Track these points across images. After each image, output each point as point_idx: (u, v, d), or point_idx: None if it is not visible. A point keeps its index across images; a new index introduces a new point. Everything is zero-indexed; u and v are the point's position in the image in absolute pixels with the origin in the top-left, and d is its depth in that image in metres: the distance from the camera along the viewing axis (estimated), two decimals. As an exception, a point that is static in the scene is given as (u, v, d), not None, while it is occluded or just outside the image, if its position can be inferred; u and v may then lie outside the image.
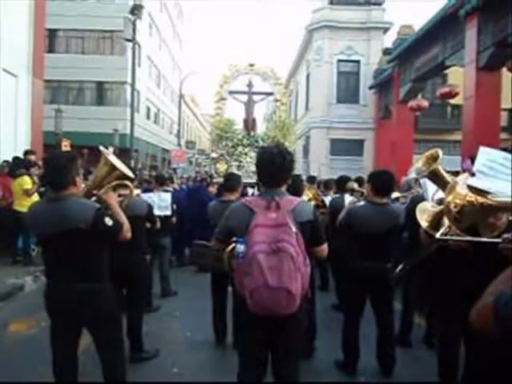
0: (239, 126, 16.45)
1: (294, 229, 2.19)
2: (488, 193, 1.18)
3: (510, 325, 0.99)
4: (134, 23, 13.77)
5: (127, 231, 2.53)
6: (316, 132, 21.14)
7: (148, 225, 4.39)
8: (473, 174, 1.25)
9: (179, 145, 24.91)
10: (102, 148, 2.68)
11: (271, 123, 17.75)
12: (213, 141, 16.50)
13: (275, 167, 2.34)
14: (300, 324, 2.37)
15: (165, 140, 32.15)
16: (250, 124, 16.18)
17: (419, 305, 4.50)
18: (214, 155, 16.23)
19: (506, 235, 1.48)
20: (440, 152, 2.70)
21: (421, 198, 3.04)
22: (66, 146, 13.63)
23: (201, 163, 34.15)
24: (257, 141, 15.24)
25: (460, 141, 12.32)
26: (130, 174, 2.74)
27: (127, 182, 2.83)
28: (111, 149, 17.75)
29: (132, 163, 15.18)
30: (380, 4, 21.02)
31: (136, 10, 13.61)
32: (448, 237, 1.48)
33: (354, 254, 3.50)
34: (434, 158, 2.68)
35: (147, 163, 27.01)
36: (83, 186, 2.72)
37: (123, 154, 17.39)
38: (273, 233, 2.17)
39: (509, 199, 1.16)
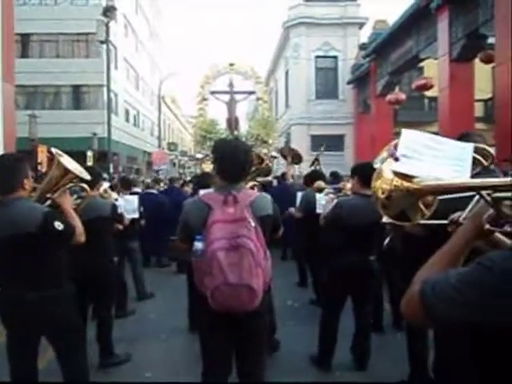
0: (222, 125, 16.44)
1: (253, 223, 2.15)
2: (413, 177, 1.16)
3: (437, 312, 0.95)
4: (107, 25, 13.58)
5: (80, 235, 2.45)
6: (296, 129, 21.17)
7: (120, 226, 4.31)
8: (396, 159, 1.22)
9: (159, 146, 24.70)
10: (53, 150, 2.60)
11: (254, 121, 17.76)
12: (197, 142, 16.45)
13: (238, 164, 2.30)
14: (263, 318, 2.34)
15: (146, 142, 31.87)
16: (233, 123, 16.20)
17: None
18: (199, 156, 16.19)
19: (452, 216, 1.46)
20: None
21: None
22: (42, 151, 13.38)
23: (184, 165, 33.97)
24: (237, 138, 15.23)
25: (438, 132, 12.46)
26: (86, 175, 2.66)
27: (84, 185, 2.76)
28: (90, 153, 17.56)
29: (111, 166, 14.98)
30: (355, -1, 21.15)
31: (109, 11, 13.42)
32: (397, 222, 1.41)
33: (340, 248, 3.49)
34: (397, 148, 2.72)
35: (132, 166, 26.76)
36: (38, 189, 2.63)
37: (103, 157, 17.20)
38: (231, 228, 2.13)
39: (433, 182, 1.14)
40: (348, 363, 3.56)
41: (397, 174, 1.19)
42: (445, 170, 1.16)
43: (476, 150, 1.50)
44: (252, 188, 3.13)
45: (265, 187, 5.11)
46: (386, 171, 1.24)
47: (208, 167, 14.80)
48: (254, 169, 3.01)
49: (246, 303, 2.12)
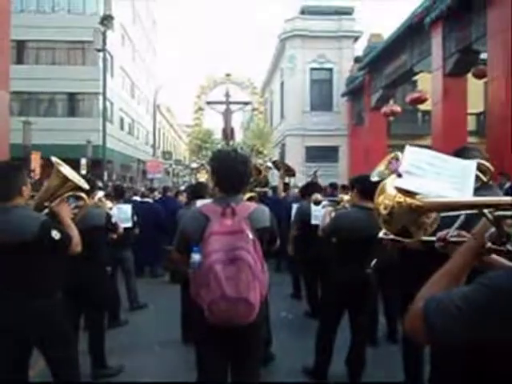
0: (217, 135, 16.49)
1: (250, 236, 2.14)
2: (416, 193, 1.16)
3: (439, 330, 0.95)
4: (103, 33, 13.64)
5: (76, 245, 2.44)
6: (291, 140, 21.28)
7: (114, 236, 4.27)
8: (399, 175, 1.23)
9: (154, 155, 24.65)
10: (53, 159, 2.59)
11: (249, 132, 17.83)
12: (192, 151, 16.45)
13: (238, 175, 2.30)
14: (259, 331, 2.33)
15: (140, 151, 31.82)
16: (228, 133, 16.25)
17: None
18: (194, 165, 16.18)
19: (439, 233, 1.47)
20: (400, 155, 2.73)
21: None
22: (35, 158, 13.30)
23: (178, 173, 33.94)
24: (235, 150, 15.27)
25: (431, 146, 12.58)
26: (85, 185, 2.66)
27: (82, 194, 2.74)
28: (84, 160, 17.49)
29: (105, 175, 14.93)
30: (350, 13, 21.45)
31: (106, 20, 13.47)
32: (399, 238, 1.41)
33: (338, 260, 3.49)
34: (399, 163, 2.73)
35: (126, 175, 26.66)
36: (36, 197, 2.62)
37: (97, 165, 17.14)
38: (229, 240, 2.11)
39: (437, 199, 1.14)
40: (342, 375, 3.54)
41: (400, 190, 1.19)
42: (447, 187, 1.17)
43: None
44: (250, 199, 3.12)
45: (260, 198, 5.12)
46: (389, 187, 1.25)
47: (203, 177, 14.78)
48: (251, 180, 3.02)
49: (244, 317, 2.10)
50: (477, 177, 1.88)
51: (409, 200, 1.16)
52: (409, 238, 1.26)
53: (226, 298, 2.04)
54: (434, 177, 1.19)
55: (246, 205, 2.30)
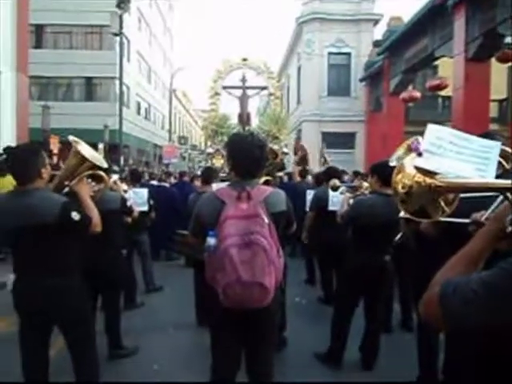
0: (234, 120, 16.44)
1: (266, 220, 2.13)
2: (436, 173, 1.13)
3: (454, 314, 0.93)
4: (120, 17, 13.60)
5: (96, 225, 2.46)
6: (307, 125, 21.05)
7: (129, 219, 4.31)
8: (420, 154, 1.19)
9: (170, 140, 24.75)
10: (71, 138, 2.60)
11: (265, 117, 17.70)
12: (208, 136, 16.45)
13: (254, 160, 2.28)
14: (273, 315, 2.33)
15: (156, 135, 31.96)
16: (244, 118, 16.17)
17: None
18: (209, 150, 16.19)
19: (474, 215, 1.42)
20: (420, 139, 2.68)
21: None
22: (53, 142, 13.47)
23: (194, 158, 34.07)
24: (252, 133, 15.23)
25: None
26: (103, 164, 2.66)
27: (101, 173, 2.75)
28: (101, 145, 17.65)
29: (122, 159, 15.06)
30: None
31: (122, 3, 13.42)
32: (416, 218, 1.37)
33: (355, 247, 3.47)
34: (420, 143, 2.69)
35: (142, 159, 26.86)
36: (56, 177, 2.64)
37: (113, 149, 17.28)
38: (244, 224, 2.11)
39: (457, 180, 1.11)
40: (355, 362, 3.55)
41: (419, 169, 1.16)
42: (469, 168, 1.13)
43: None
44: (266, 183, 3.10)
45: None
46: (408, 166, 1.22)
47: (218, 162, 14.78)
48: (268, 164, 3.00)
49: (258, 301, 2.11)
50: (499, 163, 1.82)
51: (428, 180, 1.13)
52: (426, 218, 1.23)
53: (241, 281, 2.04)
54: (455, 156, 1.16)
55: (261, 189, 2.29)
